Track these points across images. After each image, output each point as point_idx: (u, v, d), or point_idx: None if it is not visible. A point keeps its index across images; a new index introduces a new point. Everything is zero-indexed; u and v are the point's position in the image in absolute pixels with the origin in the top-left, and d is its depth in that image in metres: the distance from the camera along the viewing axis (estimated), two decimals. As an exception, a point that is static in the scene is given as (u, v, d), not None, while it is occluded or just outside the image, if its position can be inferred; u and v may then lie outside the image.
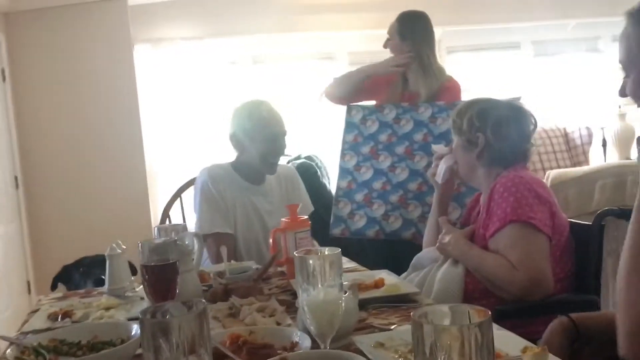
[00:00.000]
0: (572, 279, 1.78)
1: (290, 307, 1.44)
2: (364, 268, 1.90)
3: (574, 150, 4.93)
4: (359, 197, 2.55)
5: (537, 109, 2.03)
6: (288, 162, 3.40)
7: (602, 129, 4.91)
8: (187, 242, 1.51)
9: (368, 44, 4.12)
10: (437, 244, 1.87)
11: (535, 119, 1.89)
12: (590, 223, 1.76)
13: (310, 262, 1.00)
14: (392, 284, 1.60)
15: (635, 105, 1.17)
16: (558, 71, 5.32)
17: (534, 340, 1.20)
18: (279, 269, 1.90)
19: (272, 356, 1.00)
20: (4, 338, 1.30)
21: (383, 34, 2.85)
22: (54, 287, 2.39)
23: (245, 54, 4.89)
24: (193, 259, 1.56)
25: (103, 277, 1.76)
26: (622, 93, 1.18)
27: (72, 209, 3.97)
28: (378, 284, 1.60)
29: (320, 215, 2.43)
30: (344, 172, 2.60)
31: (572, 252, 1.79)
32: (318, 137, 4.51)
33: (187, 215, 2.75)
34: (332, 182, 3.74)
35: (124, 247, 1.76)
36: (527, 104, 1.99)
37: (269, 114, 2.27)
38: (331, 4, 4.60)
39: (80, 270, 2.44)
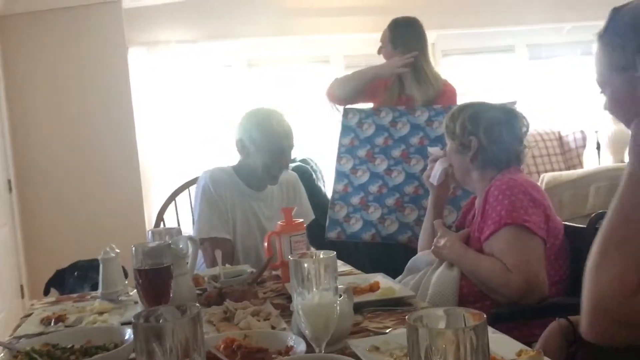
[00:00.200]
0: (566, 281, 1.78)
1: (285, 311, 1.43)
2: (359, 271, 1.90)
3: (569, 154, 4.94)
4: (355, 200, 2.55)
5: (531, 112, 2.04)
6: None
7: (596, 132, 4.93)
8: (181, 246, 1.50)
9: (364, 47, 4.13)
10: (433, 247, 1.87)
11: (527, 121, 1.90)
12: (585, 226, 1.76)
13: (305, 265, 1.00)
14: (387, 287, 1.60)
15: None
16: (553, 74, 5.34)
17: (529, 343, 1.20)
18: (274, 272, 1.90)
19: (266, 360, 0.99)
20: (-4, 342, 1.29)
21: (379, 38, 2.85)
22: (46, 292, 2.37)
23: (241, 57, 4.88)
24: (187, 263, 1.55)
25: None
26: (605, 107, 1.20)
27: (66, 213, 3.95)
28: (373, 288, 1.59)
29: (316, 218, 2.42)
30: (340, 175, 2.60)
31: (566, 255, 1.79)
32: (313, 140, 4.51)
33: (182, 218, 2.74)
34: (327, 185, 3.75)
35: (118, 250, 1.74)
36: (522, 107, 2.00)
37: (279, 126, 2.20)
38: (327, 7, 4.61)
39: (75, 274, 2.42)
